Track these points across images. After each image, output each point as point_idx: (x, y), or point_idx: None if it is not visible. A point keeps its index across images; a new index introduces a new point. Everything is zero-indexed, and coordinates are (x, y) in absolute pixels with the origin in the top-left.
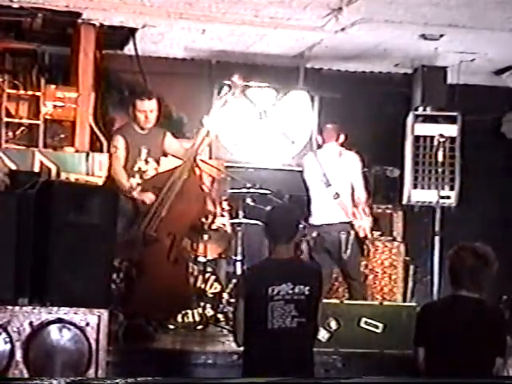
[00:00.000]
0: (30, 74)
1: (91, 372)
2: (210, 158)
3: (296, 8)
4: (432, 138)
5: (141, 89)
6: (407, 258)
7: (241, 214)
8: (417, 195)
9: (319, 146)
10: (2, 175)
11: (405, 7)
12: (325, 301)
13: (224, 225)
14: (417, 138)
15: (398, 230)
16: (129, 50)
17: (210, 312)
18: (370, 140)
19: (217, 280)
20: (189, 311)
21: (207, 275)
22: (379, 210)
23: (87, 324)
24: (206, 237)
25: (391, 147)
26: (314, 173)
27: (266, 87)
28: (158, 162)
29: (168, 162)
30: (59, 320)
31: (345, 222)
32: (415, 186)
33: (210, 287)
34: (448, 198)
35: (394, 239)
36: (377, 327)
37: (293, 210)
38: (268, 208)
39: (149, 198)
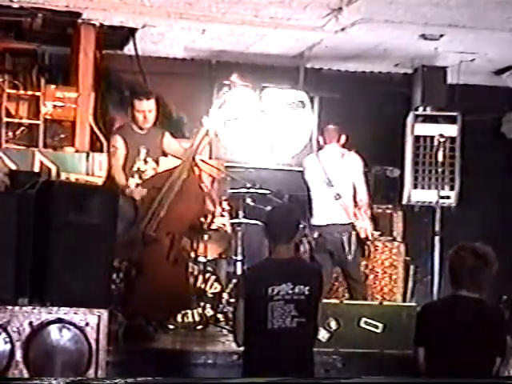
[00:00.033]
0: (30, 74)
1: (91, 372)
2: (210, 157)
3: (296, 8)
4: (432, 137)
5: (140, 89)
6: (407, 258)
7: (241, 214)
8: (417, 195)
9: (320, 147)
10: (2, 175)
11: (405, 7)
12: (325, 301)
13: (224, 225)
14: (417, 138)
15: (397, 230)
16: (129, 50)
17: (209, 312)
18: (370, 140)
19: (217, 280)
20: (189, 311)
21: (207, 275)
22: (379, 210)
23: (87, 324)
24: (206, 237)
25: (391, 147)
26: (316, 173)
27: (266, 87)
28: (156, 161)
29: (167, 162)
30: (59, 320)
31: (346, 223)
32: (415, 186)
33: (210, 287)
34: (448, 198)
35: (394, 239)
36: (377, 327)
37: (293, 210)
38: (268, 208)
39: (139, 193)
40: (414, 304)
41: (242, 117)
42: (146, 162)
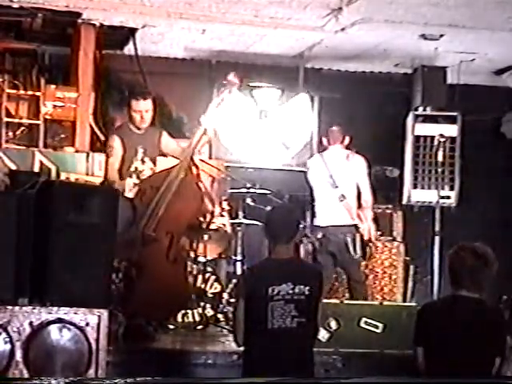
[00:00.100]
0: (30, 74)
1: (91, 372)
2: (210, 157)
3: (296, 8)
4: (432, 137)
5: (140, 89)
6: (407, 258)
7: (241, 214)
8: (417, 195)
9: (324, 148)
10: (2, 175)
11: (405, 7)
12: (325, 301)
13: (224, 225)
14: (417, 138)
15: (398, 230)
16: (129, 50)
17: (210, 312)
18: (370, 140)
19: (217, 280)
20: (189, 311)
21: (207, 275)
22: (379, 210)
23: (87, 324)
24: (206, 237)
25: (391, 147)
26: (321, 174)
27: (266, 87)
28: (154, 161)
29: (165, 162)
30: (59, 320)
31: (350, 225)
32: (415, 186)
33: (210, 287)
34: (448, 197)
35: (394, 239)
36: (377, 327)
37: (293, 210)
38: (268, 208)
39: (123, 185)
40: (414, 304)
41: (241, 116)
42: (143, 161)
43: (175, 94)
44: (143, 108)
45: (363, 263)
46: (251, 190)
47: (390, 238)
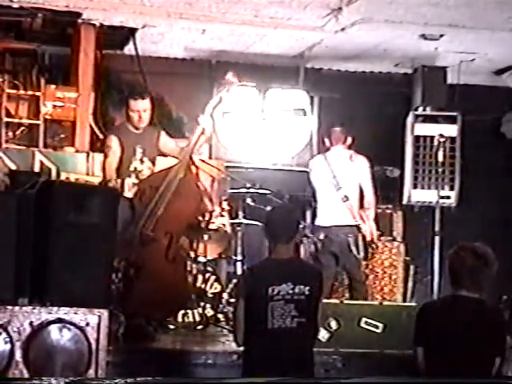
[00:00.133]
0: (30, 74)
1: (91, 372)
2: (210, 157)
3: (296, 8)
4: (432, 137)
5: (138, 88)
6: (407, 258)
7: (241, 214)
8: (417, 195)
9: (327, 149)
10: (2, 175)
11: (405, 7)
12: (325, 301)
13: (224, 225)
14: (417, 138)
15: (398, 230)
16: (129, 50)
17: (210, 312)
18: (370, 140)
19: (217, 280)
20: (189, 311)
21: (207, 275)
22: (379, 210)
23: (87, 324)
24: (206, 237)
25: (391, 147)
26: (323, 175)
27: (266, 87)
28: (153, 161)
29: (164, 162)
30: (59, 320)
31: (352, 225)
32: (415, 186)
33: (210, 287)
34: (448, 197)
35: (394, 239)
36: (377, 327)
37: (293, 210)
38: (268, 208)
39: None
40: (414, 304)
41: (241, 116)
42: (142, 161)
43: (175, 94)
44: (141, 107)
45: (363, 263)
46: (251, 190)
47: (390, 238)
